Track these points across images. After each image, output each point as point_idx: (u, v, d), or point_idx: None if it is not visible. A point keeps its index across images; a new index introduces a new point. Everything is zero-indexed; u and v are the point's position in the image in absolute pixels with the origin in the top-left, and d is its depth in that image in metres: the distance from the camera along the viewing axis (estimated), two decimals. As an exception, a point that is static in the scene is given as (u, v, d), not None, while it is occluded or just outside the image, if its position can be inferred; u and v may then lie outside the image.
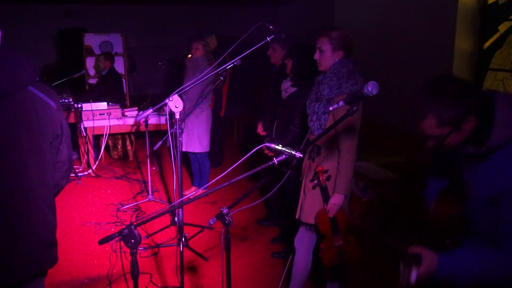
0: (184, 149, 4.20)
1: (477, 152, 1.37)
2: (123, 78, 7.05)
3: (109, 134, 5.38)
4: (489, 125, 1.33)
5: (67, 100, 5.17)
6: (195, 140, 4.29)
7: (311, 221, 2.44)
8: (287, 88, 3.15)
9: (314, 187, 2.40)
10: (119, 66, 7.16)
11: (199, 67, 4.20)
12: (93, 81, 7.24)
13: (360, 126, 2.37)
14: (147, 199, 4.47)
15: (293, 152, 1.54)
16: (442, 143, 1.41)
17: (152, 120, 5.23)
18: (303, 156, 2.56)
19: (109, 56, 5.92)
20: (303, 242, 2.57)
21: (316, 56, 2.38)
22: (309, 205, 2.44)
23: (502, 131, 1.32)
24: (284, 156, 1.55)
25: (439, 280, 1.38)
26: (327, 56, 2.34)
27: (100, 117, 5.24)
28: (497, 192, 1.34)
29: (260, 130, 3.75)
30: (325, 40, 2.34)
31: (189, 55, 4.41)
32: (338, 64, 2.32)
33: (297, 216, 2.53)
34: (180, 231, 2.99)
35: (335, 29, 2.36)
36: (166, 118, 4.52)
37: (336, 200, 2.31)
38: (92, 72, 7.28)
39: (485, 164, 1.38)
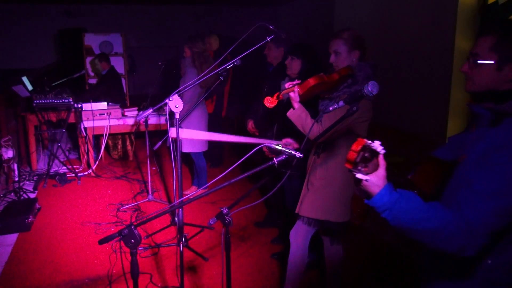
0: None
1: (495, 108, 1.30)
2: (123, 78, 7.06)
3: (109, 134, 5.39)
4: None
5: (67, 100, 5.17)
6: (186, 140, 4.29)
7: (310, 215, 2.43)
8: None
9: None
10: (119, 66, 7.17)
11: (185, 68, 4.26)
12: (93, 81, 7.25)
13: (366, 127, 2.34)
14: (147, 199, 4.47)
15: (293, 152, 1.54)
16: (477, 72, 1.32)
17: (152, 120, 5.23)
18: (308, 153, 2.56)
19: (104, 57, 5.91)
20: (298, 235, 2.56)
21: (332, 59, 2.33)
22: (310, 200, 2.44)
23: None
24: (284, 156, 1.55)
25: (371, 207, 1.30)
26: (343, 57, 2.30)
27: (100, 117, 5.24)
28: (480, 154, 1.28)
29: (251, 127, 3.75)
30: (339, 42, 2.30)
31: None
32: (355, 67, 2.27)
33: (296, 210, 2.52)
34: (180, 231, 2.99)
35: (346, 30, 2.32)
36: (166, 118, 4.53)
37: (294, 104, 2.27)
38: (92, 72, 7.28)
39: (493, 131, 1.31)
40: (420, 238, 1.26)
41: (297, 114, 2.28)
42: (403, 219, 1.25)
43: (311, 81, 2.19)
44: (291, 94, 2.25)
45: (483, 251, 1.29)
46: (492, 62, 1.29)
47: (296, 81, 2.27)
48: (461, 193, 1.27)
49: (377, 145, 1.21)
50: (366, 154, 1.21)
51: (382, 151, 1.23)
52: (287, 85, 2.29)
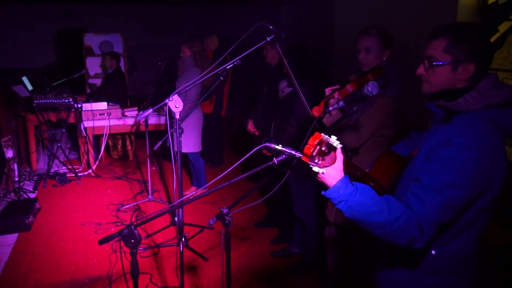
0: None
1: (446, 105, 1.36)
2: (123, 78, 7.06)
3: (109, 134, 5.39)
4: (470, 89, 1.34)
5: (67, 100, 5.17)
6: (182, 141, 4.28)
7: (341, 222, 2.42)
8: (284, 88, 3.16)
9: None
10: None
11: (185, 67, 4.23)
12: (93, 81, 7.25)
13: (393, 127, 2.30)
14: (147, 199, 4.47)
15: (293, 152, 1.54)
16: (432, 74, 1.38)
17: (152, 120, 5.23)
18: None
19: (115, 55, 5.95)
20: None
21: (361, 56, 2.27)
22: None
23: (475, 95, 1.31)
24: (284, 156, 1.55)
25: (327, 199, 1.35)
26: (374, 55, 2.24)
27: (100, 117, 5.24)
28: (429, 149, 1.34)
29: (250, 127, 3.76)
30: (372, 39, 2.24)
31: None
32: (385, 67, 2.22)
33: (332, 220, 2.49)
34: (180, 231, 2.99)
35: (376, 26, 2.26)
36: (166, 118, 4.53)
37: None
38: (92, 72, 7.29)
39: (443, 127, 1.37)
40: (373, 229, 1.30)
41: (335, 120, 2.21)
42: (357, 211, 1.30)
43: (349, 88, 2.13)
44: (331, 100, 2.17)
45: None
46: (448, 63, 1.34)
47: (334, 87, 2.23)
48: (411, 188, 1.32)
49: (333, 140, 1.25)
50: (323, 148, 1.25)
51: (339, 146, 1.28)
52: (327, 91, 2.24)
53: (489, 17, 3.66)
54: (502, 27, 3.57)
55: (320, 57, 3.35)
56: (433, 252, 1.39)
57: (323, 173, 1.29)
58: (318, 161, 1.26)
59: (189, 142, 4.32)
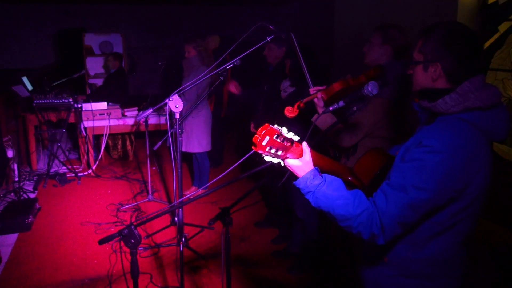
0: (183, 149, 4.21)
1: (427, 106, 1.35)
2: (123, 78, 7.05)
3: (109, 134, 5.39)
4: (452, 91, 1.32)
5: (67, 100, 5.17)
6: (194, 140, 4.30)
7: None
8: (286, 87, 3.17)
9: None
10: (120, 66, 7.17)
11: (193, 67, 4.21)
12: (93, 81, 7.25)
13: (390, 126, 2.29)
14: (147, 199, 4.47)
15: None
16: (413, 73, 1.41)
17: (152, 120, 5.23)
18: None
19: (118, 56, 5.96)
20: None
21: (365, 48, 2.33)
22: None
23: (455, 98, 1.28)
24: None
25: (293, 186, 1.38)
26: (373, 49, 2.29)
27: (100, 117, 5.25)
28: (406, 149, 1.35)
29: (252, 128, 3.77)
30: (376, 33, 2.30)
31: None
32: (386, 66, 2.23)
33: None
34: (180, 231, 2.99)
35: (391, 26, 2.31)
36: (166, 118, 4.53)
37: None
38: (92, 72, 7.29)
39: (426, 127, 1.37)
40: (338, 222, 1.33)
41: (322, 120, 2.24)
42: (322, 202, 1.32)
43: (336, 87, 2.12)
44: (315, 100, 2.17)
45: (403, 242, 1.37)
46: (419, 62, 1.36)
47: (320, 87, 2.21)
48: (381, 185, 1.34)
49: (285, 131, 1.27)
50: (279, 140, 1.25)
51: (295, 138, 1.29)
52: (311, 90, 2.24)
53: (489, 17, 3.66)
54: (502, 27, 3.57)
55: (320, 57, 3.34)
56: (408, 254, 1.38)
57: (279, 163, 1.31)
58: (277, 152, 1.26)
59: (202, 142, 4.33)
